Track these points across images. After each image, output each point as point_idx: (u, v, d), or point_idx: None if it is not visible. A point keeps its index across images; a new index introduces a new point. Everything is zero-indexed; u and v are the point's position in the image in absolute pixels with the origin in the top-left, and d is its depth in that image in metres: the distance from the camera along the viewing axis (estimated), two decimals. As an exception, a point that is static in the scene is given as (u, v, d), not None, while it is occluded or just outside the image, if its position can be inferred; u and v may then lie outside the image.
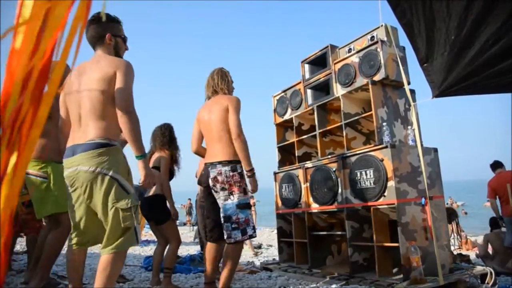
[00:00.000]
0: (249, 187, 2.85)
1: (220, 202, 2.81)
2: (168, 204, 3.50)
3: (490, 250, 5.41)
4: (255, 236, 2.85)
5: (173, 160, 3.60)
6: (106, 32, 2.13)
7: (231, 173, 2.77)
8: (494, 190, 5.52)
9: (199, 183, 3.07)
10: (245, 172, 2.83)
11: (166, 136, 3.60)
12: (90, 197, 1.94)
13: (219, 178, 2.78)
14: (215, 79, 3.02)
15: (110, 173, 1.90)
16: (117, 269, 1.94)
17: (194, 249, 6.46)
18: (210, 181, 2.83)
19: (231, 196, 2.75)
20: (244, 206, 2.77)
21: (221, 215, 2.79)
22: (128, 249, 2.02)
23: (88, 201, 1.97)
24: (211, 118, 2.89)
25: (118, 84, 1.94)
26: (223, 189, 2.77)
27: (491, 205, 5.76)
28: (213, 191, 2.85)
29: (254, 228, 2.82)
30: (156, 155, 3.55)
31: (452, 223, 4.78)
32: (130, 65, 2.03)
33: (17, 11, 0.88)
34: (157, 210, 3.46)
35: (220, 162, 2.79)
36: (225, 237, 2.76)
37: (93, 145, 1.91)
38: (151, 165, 3.53)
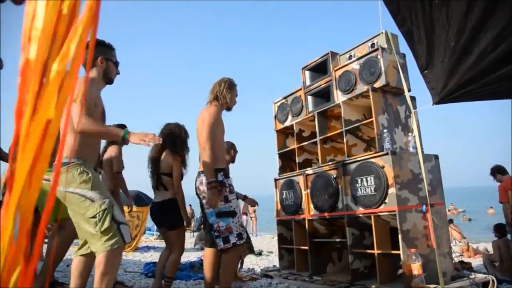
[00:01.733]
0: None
1: (205, 210, 2.87)
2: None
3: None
4: (240, 244, 2.81)
5: (184, 163, 3.43)
6: (98, 55, 2.22)
7: None
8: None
9: None
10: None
11: (183, 138, 3.40)
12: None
13: (201, 187, 2.84)
14: (221, 86, 3.04)
15: (70, 189, 2.00)
16: (111, 267, 1.96)
17: (194, 256, 6.43)
18: (196, 190, 2.93)
19: None
20: (225, 214, 2.76)
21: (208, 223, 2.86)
22: (116, 247, 1.98)
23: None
24: (199, 127, 2.96)
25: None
26: (204, 197, 2.82)
27: (505, 209, 5.73)
28: (199, 199, 2.95)
29: (239, 236, 2.79)
30: (166, 159, 3.34)
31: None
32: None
33: (27, 19, 0.87)
34: (170, 215, 3.31)
35: (202, 172, 2.84)
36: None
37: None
38: (161, 170, 3.35)
